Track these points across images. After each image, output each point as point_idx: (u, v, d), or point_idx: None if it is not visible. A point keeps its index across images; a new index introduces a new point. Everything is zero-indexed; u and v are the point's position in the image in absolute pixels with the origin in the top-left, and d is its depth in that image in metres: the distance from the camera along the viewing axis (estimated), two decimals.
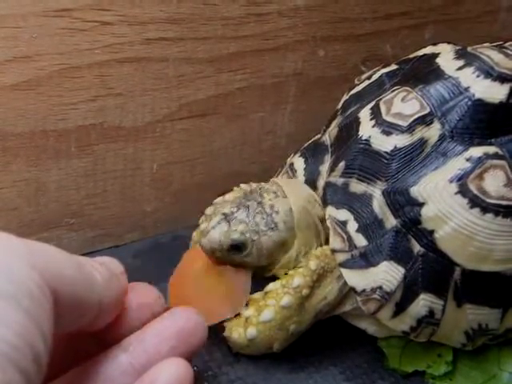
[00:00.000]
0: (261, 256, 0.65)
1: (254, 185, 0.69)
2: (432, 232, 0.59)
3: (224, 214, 0.65)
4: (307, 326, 0.65)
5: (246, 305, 0.66)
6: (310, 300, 0.63)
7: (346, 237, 0.62)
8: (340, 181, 0.64)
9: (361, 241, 0.61)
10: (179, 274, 0.69)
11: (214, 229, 0.64)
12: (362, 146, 0.63)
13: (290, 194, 0.67)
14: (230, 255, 0.64)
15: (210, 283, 0.66)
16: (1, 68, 0.66)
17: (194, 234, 0.74)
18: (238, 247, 0.64)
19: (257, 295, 0.66)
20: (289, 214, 0.65)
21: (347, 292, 0.64)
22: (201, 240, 0.65)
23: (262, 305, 0.64)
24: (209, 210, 0.71)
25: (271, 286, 0.65)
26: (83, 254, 0.77)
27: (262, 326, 0.63)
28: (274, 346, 0.64)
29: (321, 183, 0.67)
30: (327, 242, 0.66)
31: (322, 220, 0.67)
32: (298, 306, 0.63)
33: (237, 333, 0.65)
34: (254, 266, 0.66)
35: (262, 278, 0.68)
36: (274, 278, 0.66)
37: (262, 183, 0.70)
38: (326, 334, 0.68)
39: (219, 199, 0.72)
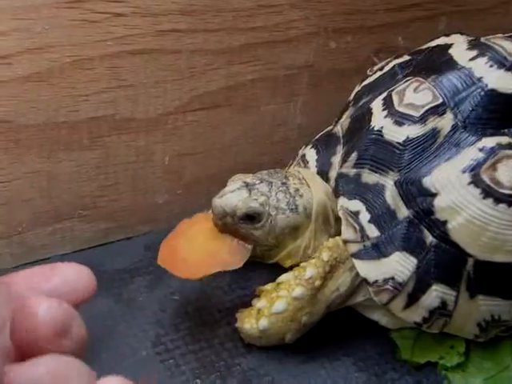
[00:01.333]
0: (270, 234, 0.64)
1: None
2: (445, 223, 0.59)
3: (245, 182, 0.65)
4: (319, 317, 0.65)
5: (258, 296, 0.66)
6: (322, 291, 0.63)
7: (358, 227, 0.62)
8: (352, 171, 0.64)
9: (373, 231, 0.61)
10: (174, 234, 0.68)
11: (233, 193, 0.64)
12: (374, 136, 0.63)
13: (312, 185, 0.67)
14: (239, 224, 0.63)
15: (203, 240, 0.65)
16: (13, 59, 0.66)
17: None
18: (251, 218, 0.63)
19: (269, 286, 0.66)
20: (310, 202, 0.65)
21: (360, 283, 0.64)
22: (213, 200, 0.64)
23: (275, 296, 0.64)
24: None
25: (283, 277, 0.65)
26: (96, 246, 0.79)
27: (274, 317, 0.63)
28: (286, 337, 0.64)
29: (333, 174, 0.67)
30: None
31: (336, 217, 0.67)
32: (311, 298, 0.63)
33: (249, 324, 0.65)
34: (258, 244, 0.65)
35: (262, 263, 0.68)
36: (285, 270, 0.66)
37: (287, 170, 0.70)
38: (339, 325, 0.68)
39: None
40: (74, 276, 0.44)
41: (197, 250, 0.65)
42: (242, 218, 0.63)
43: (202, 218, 0.68)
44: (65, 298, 0.41)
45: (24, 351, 0.37)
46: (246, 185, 0.64)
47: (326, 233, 0.67)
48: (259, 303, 0.65)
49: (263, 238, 0.64)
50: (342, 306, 0.66)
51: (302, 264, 0.64)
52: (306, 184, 0.67)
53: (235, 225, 0.63)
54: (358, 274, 0.63)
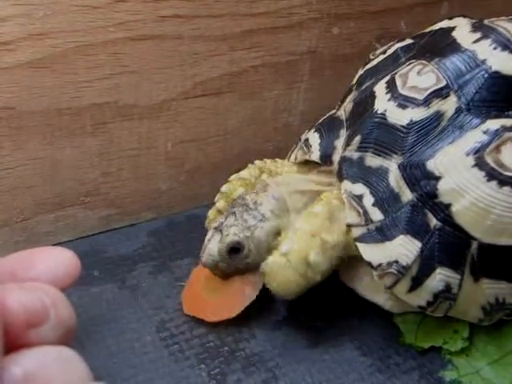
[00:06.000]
0: (260, 250, 0.65)
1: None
2: (449, 206, 0.58)
3: (215, 227, 0.66)
4: (337, 238, 0.64)
5: None
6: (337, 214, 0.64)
7: (361, 211, 0.62)
8: (355, 155, 0.64)
9: (377, 215, 0.61)
10: (189, 285, 0.72)
11: (210, 242, 0.65)
12: (377, 119, 0.63)
13: (279, 184, 0.67)
14: (232, 262, 0.65)
15: (218, 285, 0.68)
16: (15, 45, 0.66)
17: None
18: (236, 249, 0.64)
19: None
20: (272, 202, 0.66)
21: None
22: (201, 259, 0.66)
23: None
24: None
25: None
26: (99, 233, 0.79)
27: (295, 235, 0.63)
28: (311, 258, 0.62)
29: (336, 158, 0.67)
30: None
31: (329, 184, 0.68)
32: (328, 218, 0.63)
33: (271, 256, 0.64)
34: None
35: None
36: None
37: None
38: (342, 309, 0.69)
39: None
40: (57, 261, 0.44)
41: (219, 295, 0.68)
42: (229, 255, 0.64)
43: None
44: (48, 283, 0.41)
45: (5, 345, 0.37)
46: (216, 229, 0.66)
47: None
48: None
49: (258, 258, 0.65)
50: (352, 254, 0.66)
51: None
52: (263, 190, 0.67)
53: (231, 265, 0.65)
54: None
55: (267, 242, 0.65)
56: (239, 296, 0.66)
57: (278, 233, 0.65)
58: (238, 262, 0.65)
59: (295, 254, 0.63)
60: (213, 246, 0.65)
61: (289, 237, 0.64)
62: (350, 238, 0.64)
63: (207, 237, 0.66)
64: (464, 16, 0.68)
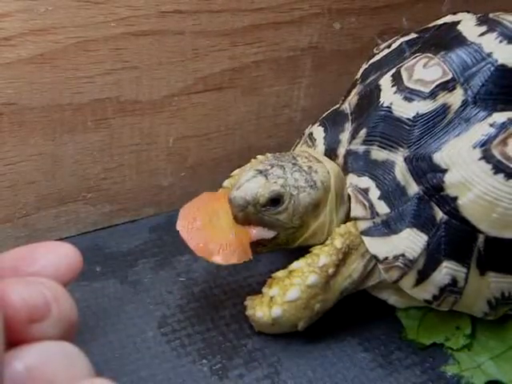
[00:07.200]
0: (295, 215, 0.64)
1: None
2: (455, 199, 0.58)
3: (258, 169, 0.64)
4: (332, 303, 0.65)
5: (266, 283, 0.66)
6: (335, 278, 0.63)
7: (367, 204, 0.62)
8: (361, 148, 0.64)
9: (383, 208, 0.61)
10: (195, 203, 0.66)
11: (250, 181, 0.63)
12: (383, 112, 0.63)
13: (323, 160, 0.67)
14: (262, 211, 0.63)
15: (222, 223, 0.64)
16: (16, 41, 0.66)
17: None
18: (275, 201, 0.62)
19: (280, 274, 0.65)
20: (326, 175, 0.65)
21: (371, 268, 0.64)
22: (231, 193, 0.63)
23: (288, 284, 0.63)
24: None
25: (295, 264, 0.64)
26: (101, 229, 0.79)
27: (288, 305, 0.63)
28: (299, 325, 0.64)
29: (341, 151, 0.67)
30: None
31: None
32: (324, 285, 0.62)
33: (261, 312, 0.64)
34: (283, 229, 0.64)
35: (288, 250, 0.68)
36: (289, 253, 0.66)
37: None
38: (345, 305, 0.68)
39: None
40: (59, 255, 0.44)
41: (215, 233, 0.64)
42: (264, 204, 0.62)
43: (223, 195, 0.66)
44: (50, 277, 0.41)
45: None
46: (260, 172, 0.64)
47: (344, 205, 0.67)
48: (272, 291, 0.64)
49: (288, 221, 0.64)
50: (354, 291, 0.66)
51: (314, 251, 0.64)
52: (316, 160, 0.66)
53: (258, 213, 0.63)
54: (370, 260, 0.63)
55: (305, 209, 0.64)
56: (237, 249, 0.63)
57: (317, 205, 0.65)
58: (267, 214, 0.63)
59: (284, 323, 0.64)
60: (253, 187, 0.62)
61: (278, 303, 0.63)
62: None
63: (246, 176, 0.63)
64: (468, 11, 0.69)
